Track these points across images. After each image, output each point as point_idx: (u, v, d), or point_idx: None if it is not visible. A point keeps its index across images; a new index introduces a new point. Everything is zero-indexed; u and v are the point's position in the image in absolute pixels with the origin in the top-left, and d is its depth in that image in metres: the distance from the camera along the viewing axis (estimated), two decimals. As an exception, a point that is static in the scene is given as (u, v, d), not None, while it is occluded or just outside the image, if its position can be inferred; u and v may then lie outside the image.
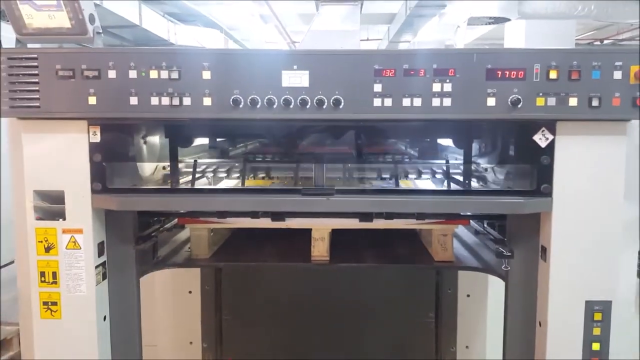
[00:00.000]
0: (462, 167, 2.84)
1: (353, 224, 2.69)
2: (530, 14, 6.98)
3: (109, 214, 2.39)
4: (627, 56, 2.07)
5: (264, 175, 3.09)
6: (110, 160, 2.29)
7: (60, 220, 2.27)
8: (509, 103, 2.09)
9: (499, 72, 2.09)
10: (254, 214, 2.63)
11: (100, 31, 2.26)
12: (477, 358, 3.37)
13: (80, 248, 2.28)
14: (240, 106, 2.13)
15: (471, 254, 2.99)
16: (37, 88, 2.13)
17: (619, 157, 2.16)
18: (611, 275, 2.24)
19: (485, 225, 2.82)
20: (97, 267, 2.33)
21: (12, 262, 5.61)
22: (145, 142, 2.71)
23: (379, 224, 2.64)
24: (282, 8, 11.62)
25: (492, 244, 2.61)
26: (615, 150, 2.16)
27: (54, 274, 2.29)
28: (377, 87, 2.13)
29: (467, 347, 3.38)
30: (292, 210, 2.55)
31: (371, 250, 3.05)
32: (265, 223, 2.67)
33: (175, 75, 2.13)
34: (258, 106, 2.13)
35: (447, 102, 2.12)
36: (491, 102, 2.11)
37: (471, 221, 2.96)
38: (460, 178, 2.85)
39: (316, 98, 2.13)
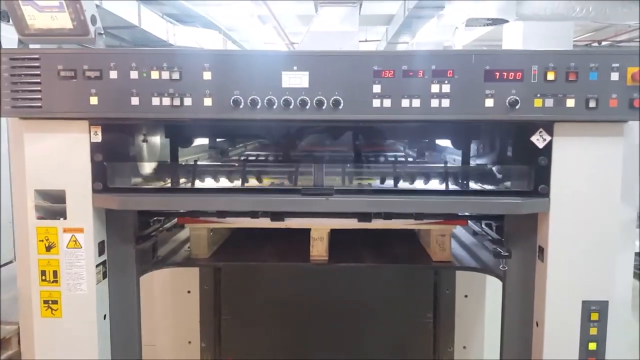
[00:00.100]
0: (460, 167, 2.85)
1: (352, 224, 2.70)
2: (529, 15, 6.97)
3: (110, 213, 2.40)
4: (624, 58, 2.08)
5: (263, 175, 3.10)
6: (111, 160, 2.30)
7: (61, 219, 2.28)
8: (507, 104, 2.11)
9: (497, 74, 2.11)
10: (254, 214, 2.64)
11: (102, 32, 2.28)
12: (475, 358, 3.38)
13: (81, 247, 2.29)
14: (241, 107, 2.15)
15: (469, 254, 3.00)
16: (39, 88, 2.15)
17: (616, 158, 2.18)
18: (608, 276, 2.25)
19: (483, 226, 2.83)
20: (97, 266, 2.34)
21: (11, 261, 5.63)
22: (145, 142, 2.72)
23: (377, 224, 2.65)
24: (280, 9, 11.64)
25: (490, 244, 2.62)
26: (613, 151, 2.17)
27: (55, 273, 2.30)
28: (376, 88, 2.14)
29: (464, 347, 3.39)
30: (292, 210, 2.57)
31: (370, 251, 3.06)
32: (264, 223, 2.68)
33: (176, 75, 2.14)
34: (258, 107, 2.15)
35: (446, 103, 2.13)
36: (489, 103, 2.12)
37: (469, 222, 2.97)
38: (459, 179, 2.87)
39: (316, 99, 2.14)
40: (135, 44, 10.10)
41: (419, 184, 3.03)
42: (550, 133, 2.18)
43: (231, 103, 2.14)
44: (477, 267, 2.84)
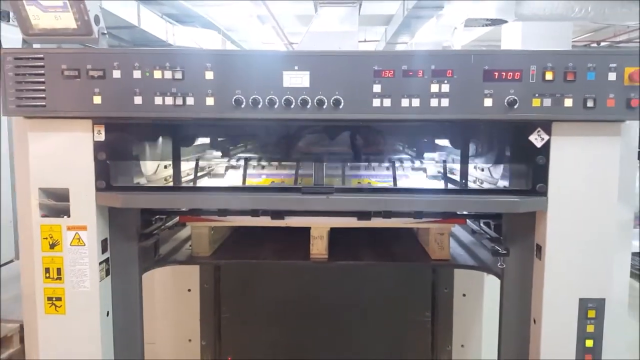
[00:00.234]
0: (459, 166, 2.87)
1: (351, 222, 2.72)
2: (527, 15, 6.97)
3: (113, 211, 2.42)
4: (621, 58, 2.11)
5: (264, 174, 3.12)
6: (114, 158, 2.32)
7: (65, 217, 2.30)
8: (506, 104, 2.13)
9: (496, 74, 2.13)
10: (254, 213, 2.66)
11: (105, 32, 2.30)
12: (472, 357, 3.40)
13: (85, 245, 2.31)
14: (242, 106, 2.17)
15: (467, 252, 3.01)
16: (43, 87, 2.17)
17: (614, 157, 2.19)
18: (605, 274, 2.27)
19: (482, 224, 2.85)
20: (100, 263, 2.36)
21: (12, 261, 5.63)
22: (148, 141, 2.74)
23: (377, 222, 2.66)
24: (279, 9, 11.65)
25: (488, 243, 2.63)
26: (610, 150, 2.19)
27: (59, 270, 2.32)
28: (377, 88, 2.17)
29: (462, 346, 3.41)
30: (292, 208, 2.59)
31: (369, 249, 3.07)
32: (265, 221, 2.70)
33: (178, 75, 2.16)
34: (259, 106, 2.17)
35: (445, 102, 2.15)
36: (488, 102, 2.14)
37: (467, 220, 2.99)
38: (457, 177, 2.89)
39: (316, 98, 2.16)
40: (134, 44, 10.10)
41: (418, 183, 3.06)
42: (548, 132, 2.20)
43: (233, 102, 2.16)
44: (475, 265, 2.86)
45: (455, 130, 2.79)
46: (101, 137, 2.26)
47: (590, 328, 2.28)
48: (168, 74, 2.16)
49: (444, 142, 3.03)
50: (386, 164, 3.20)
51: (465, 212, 2.78)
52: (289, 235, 3.07)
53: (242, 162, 3.10)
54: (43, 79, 2.17)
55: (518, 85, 2.13)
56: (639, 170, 2.46)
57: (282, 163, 3.23)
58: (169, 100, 2.17)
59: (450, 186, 2.96)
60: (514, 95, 2.12)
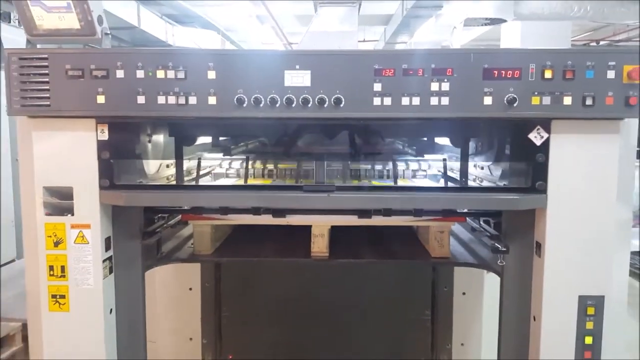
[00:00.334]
0: (459, 164, 2.89)
1: (352, 220, 2.73)
2: (527, 14, 6.97)
3: (116, 209, 2.43)
4: (620, 56, 2.12)
5: (266, 172, 3.14)
6: (118, 157, 2.34)
7: (69, 215, 2.32)
8: (505, 102, 2.14)
9: (496, 72, 2.14)
10: (256, 211, 2.67)
11: (108, 32, 2.31)
12: (472, 356, 3.41)
13: (88, 243, 2.33)
14: (244, 105, 2.18)
15: (467, 250, 3.02)
16: (47, 87, 2.18)
17: (613, 155, 2.21)
18: (604, 271, 2.28)
19: (481, 222, 2.87)
20: (104, 261, 2.38)
21: (13, 260, 5.65)
22: (151, 140, 2.75)
23: (377, 220, 2.67)
24: (278, 9, 11.65)
25: (488, 240, 2.65)
26: (609, 148, 2.20)
27: (63, 268, 2.33)
28: (377, 87, 2.18)
29: (462, 344, 3.42)
30: (294, 206, 2.61)
31: (370, 247, 3.09)
32: (266, 220, 2.71)
33: (181, 75, 2.18)
34: (261, 105, 2.18)
35: (445, 101, 2.17)
36: (488, 101, 2.15)
37: (467, 218, 3.00)
38: (457, 175, 2.90)
39: (318, 97, 2.18)
40: (134, 45, 10.12)
41: (418, 181, 3.08)
42: (548, 130, 2.22)
43: (235, 101, 2.18)
44: (475, 263, 2.87)
45: (455, 129, 2.80)
46: (105, 136, 2.28)
47: (589, 325, 2.29)
48: (171, 74, 2.18)
49: (444, 140, 3.04)
50: (387, 162, 3.21)
51: (465, 210, 2.79)
52: (289, 234, 3.08)
53: (243, 161, 3.12)
54: (47, 79, 2.18)
55: (517, 84, 2.14)
56: (639, 170, 2.46)
57: (284, 162, 3.24)
58: (171, 100, 2.19)
59: (450, 184, 2.98)
60: (514, 93, 2.14)
